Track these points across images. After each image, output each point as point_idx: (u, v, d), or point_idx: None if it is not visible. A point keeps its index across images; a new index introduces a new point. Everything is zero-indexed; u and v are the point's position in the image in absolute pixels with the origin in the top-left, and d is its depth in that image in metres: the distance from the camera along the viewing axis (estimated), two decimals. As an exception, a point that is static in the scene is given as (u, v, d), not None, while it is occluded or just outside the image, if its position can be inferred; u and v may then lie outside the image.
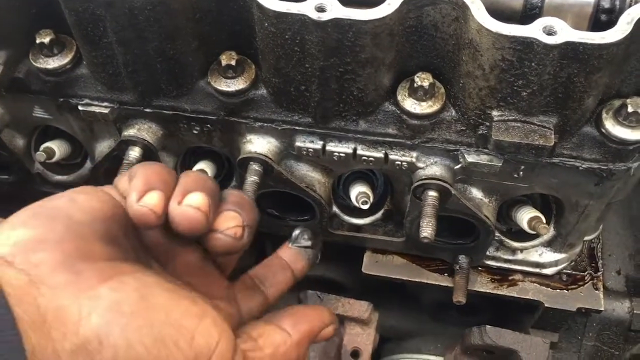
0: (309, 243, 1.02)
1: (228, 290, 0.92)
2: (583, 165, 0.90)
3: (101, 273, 0.68)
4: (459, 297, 1.10)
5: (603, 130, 0.87)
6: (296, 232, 1.01)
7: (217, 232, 0.76)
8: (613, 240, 1.29)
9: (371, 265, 1.18)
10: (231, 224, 0.77)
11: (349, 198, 1.08)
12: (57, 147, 1.11)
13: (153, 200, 0.72)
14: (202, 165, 1.09)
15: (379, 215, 1.14)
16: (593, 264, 1.16)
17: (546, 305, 1.12)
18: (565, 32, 0.74)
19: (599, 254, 1.18)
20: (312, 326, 0.87)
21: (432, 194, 0.95)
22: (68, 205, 0.73)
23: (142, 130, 1.00)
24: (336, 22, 0.77)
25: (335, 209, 1.14)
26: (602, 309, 1.11)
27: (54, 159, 1.11)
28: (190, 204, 0.73)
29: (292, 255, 1.01)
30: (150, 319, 0.67)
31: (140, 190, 0.73)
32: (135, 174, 0.76)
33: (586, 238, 1.16)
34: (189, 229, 0.74)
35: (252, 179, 0.97)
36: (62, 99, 0.99)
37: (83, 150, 1.17)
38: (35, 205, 0.73)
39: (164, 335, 0.67)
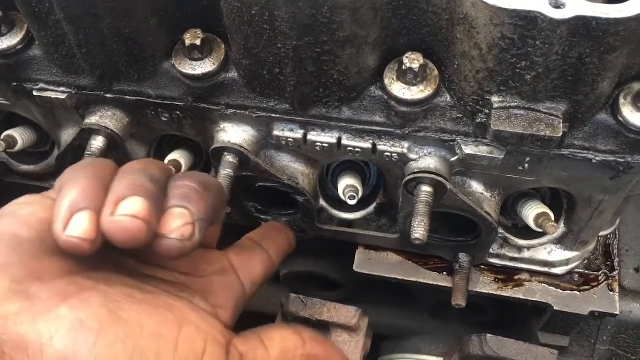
0: None
1: (221, 261, 0.87)
2: (597, 158, 0.78)
3: (59, 292, 0.61)
4: (459, 300, 0.99)
5: (620, 118, 0.75)
6: None
7: (162, 238, 0.65)
8: (631, 233, 1.17)
9: (363, 263, 1.08)
10: (178, 224, 0.66)
11: (338, 190, 0.98)
12: (20, 135, 1.02)
13: (81, 226, 0.62)
14: (176, 155, 0.99)
15: (371, 209, 1.04)
16: (608, 263, 1.06)
17: (555, 308, 1.02)
18: (575, 5, 0.63)
19: (616, 251, 1.07)
20: (329, 356, 0.79)
21: (426, 189, 0.85)
22: (11, 223, 0.65)
23: (105, 118, 0.91)
24: (308, -5, 0.67)
25: (322, 202, 1.04)
26: (618, 312, 1.01)
27: (17, 148, 1.02)
28: (125, 213, 0.62)
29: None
30: (122, 334, 0.60)
31: (64, 216, 0.62)
32: (62, 186, 0.66)
33: (601, 234, 1.05)
34: (129, 242, 0.63)
35: (225, 172, 0.88)
36: (15, 84, 0.90)
37: (51, 137, 1.08)
38: None
39: (142, 349, 0.60)
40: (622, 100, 0.75)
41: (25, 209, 0.67)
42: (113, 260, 0.72)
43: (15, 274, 0.60)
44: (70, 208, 0.63)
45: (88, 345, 0.57)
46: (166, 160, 0.97)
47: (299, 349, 0.75)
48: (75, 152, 0.95)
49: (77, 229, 0.61)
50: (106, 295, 0.63)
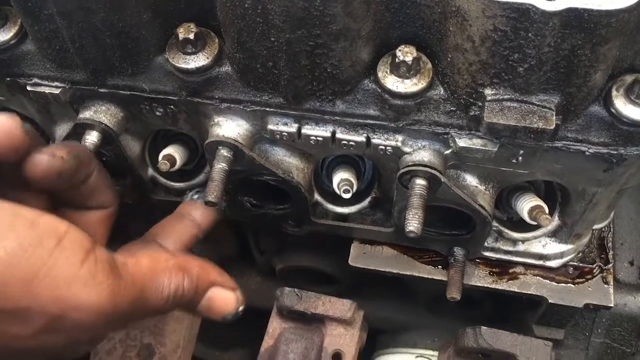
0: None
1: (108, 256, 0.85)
2: (590, 150, 0.79)
3: None
4: (453, 294, 1.00)
5: (613, 110, 0.76)
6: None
7: (35, 152, 0.72)
8: (626, 227, 1.18)
9: (359, 257, 1.08)
10: (50, 147, 0.73)
11: (333, 184, 0.98)
12: (15, 131, 1.02)
13: None
14: (171, 149, 0.99)
15: (366, 203, 1.04)
16: (603, 255, 1.06)
17: (550, 301, 1.02)
18: (567, -3, 0.63)
19: (610, 244, 1.07)
20: (204, 268, 0.79)
21: (420, 182, 0.85)
22: None
23: (100, 113, 0.91)
24: (300, -12, 0.67)
25: (317, 196, 1.04)
26: (612, 305, 1.01)
27: (12, 144, 1.02)
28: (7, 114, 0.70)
29: (187, 206, 0.98)
30: None
31: None
32: None
33: (595, 227, 1.05)
34: (6, 133, 0.69)
35: (219, 165, 0.88)
36: (8, 79, 0.90)
37: (46, 132, 1.07)
38: None
39: None
40: (614, 92, 0.75)
41: None
42: None
43: None
44: None
45: None
46: (161, 155, 0.97)
47: (170, 260, 0.75)
48: (70, 147, 0.95)
49: None
50: None
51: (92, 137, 0.90)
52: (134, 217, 1.03)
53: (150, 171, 1.06)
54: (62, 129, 1.01)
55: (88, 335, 0.69)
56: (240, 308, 0.81)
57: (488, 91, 0.74)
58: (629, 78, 0.75)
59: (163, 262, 0.74)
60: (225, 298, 0.79)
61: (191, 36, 0.80)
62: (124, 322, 0.72)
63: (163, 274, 0.73)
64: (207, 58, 0.82)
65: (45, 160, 0.72)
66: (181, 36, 0.80)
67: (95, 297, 0.64)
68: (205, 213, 0.97)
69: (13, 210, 0.63)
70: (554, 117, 0.73)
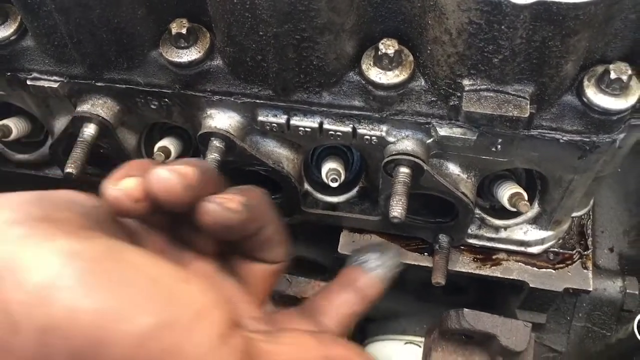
0: (379, 263, 0.81)
1: (264, 313, 0.77)
2: (564, 138, 0.83)
3: (66, 231, 0.57)
4: (438, 279, 1.04)
5: (584, 99, 0.80)
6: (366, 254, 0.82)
7: (205, 200, 0.66)
8: (606, 215, 1.22)
9: (348, 245, 1.12)
10: (222, 195, 0.68)
11: (321, 174, 1.02)
12: (15, 125, 1.06)
13: (128, 183, 0.65)
14: (166, 142, 1.03)
15: (354, 192, 1.08)
16: (582, 242, 1.10)
17: (531, 285, 1.06)
18: (536, -9, 0.67)
19: (589, 230, 1.11)
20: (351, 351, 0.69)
21: (404, 170, 0.89)
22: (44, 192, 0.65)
23: (97, 106, 0.94)
24: (286, -16, 0.71)
25: (307, 186, 1.07)
26: (591, 289, 1.05)
27: (12, 137, 1.06)
28: (174, 169, 0.65)
29: (354, 272, 0.81)
30: (115, 269, 0.55)
31: (116, 176, 0.65)
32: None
33: (575, 214, 1.09)
34: (166, 193, 0.64)
35: (212, 156, 0.91)
36: (9, 74, 0.93)
37: (45, 127, 1.11)
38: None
39: (134, 283, 0.54)
40: (586, 82, 0.79)
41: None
42: None
43: (31, 212, 0.58)
44: (125, 173, 0.66)
45: (78, 269, 0.53)
46: (156, 148, 1.01)
47: (314, 350, 0.66)
48: (68, 140, 0.98)
49: (124, 185, 0.65)
50: (113, 242, 0.59)
51: (89, 130, 0.94)
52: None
53: (146, 163, 1.09)
54: (60, 123, 1.04)
55: None
56: None
57: (466, 82, 0.78)
58: (599, 68, 0.78)
59: (305, 352, 0.66)
60: None
61: (184, 31, 0.83)
62: None
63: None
64: (199, 52, 0.86)
65: (215, 211, 0.66)
66: (174, 31, 0.84)
67: None
68: (374, 285, 0.80)
69: (154, 274, 0.56)
70: (529, 106, 0.77)
